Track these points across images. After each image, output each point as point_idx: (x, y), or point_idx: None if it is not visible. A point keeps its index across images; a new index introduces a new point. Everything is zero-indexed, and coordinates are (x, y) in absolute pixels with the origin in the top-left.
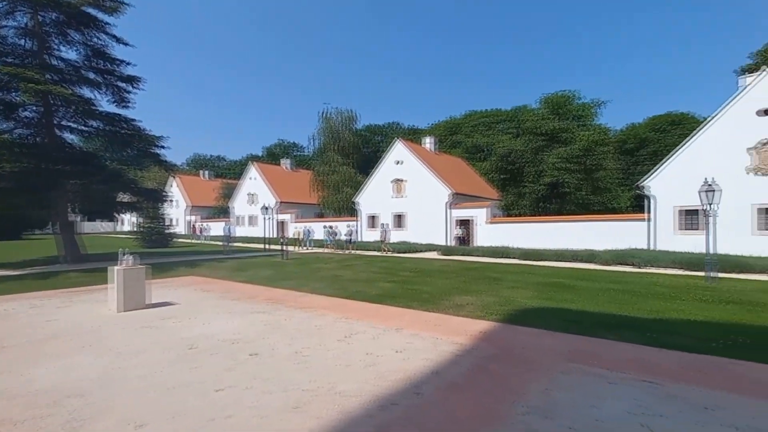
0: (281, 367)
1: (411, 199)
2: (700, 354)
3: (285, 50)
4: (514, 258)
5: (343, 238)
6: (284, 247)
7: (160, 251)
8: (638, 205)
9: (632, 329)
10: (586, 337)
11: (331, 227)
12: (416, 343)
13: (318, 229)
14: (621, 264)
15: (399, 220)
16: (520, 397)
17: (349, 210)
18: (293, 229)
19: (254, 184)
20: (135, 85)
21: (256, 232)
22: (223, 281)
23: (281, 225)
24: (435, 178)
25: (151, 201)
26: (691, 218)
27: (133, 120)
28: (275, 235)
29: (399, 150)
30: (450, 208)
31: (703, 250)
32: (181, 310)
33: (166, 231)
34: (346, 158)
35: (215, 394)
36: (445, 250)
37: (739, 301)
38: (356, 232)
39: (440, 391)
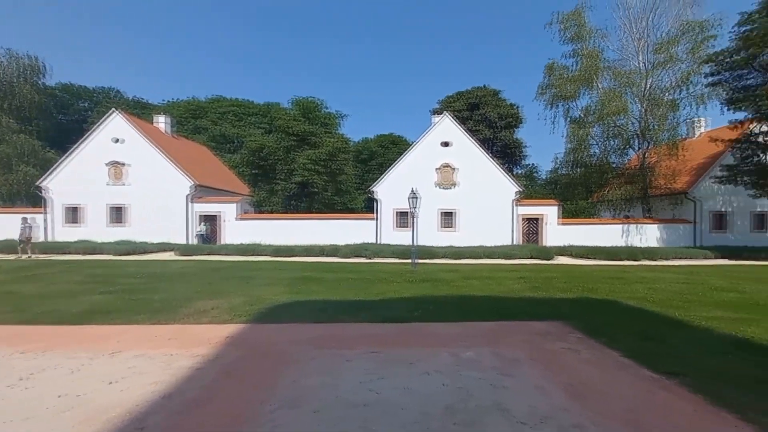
0: None
1: (136, 188)
2: (408, 323)
3: None
4: (265, 255)
5: None
6: None
7: None
8: (370, 206)
9: (364, 310)
10: (330, 323)
11: None
12: (141, 366)
13: None
14: (357, 256)
15: (118, 213)
16: (269, 395)
17: (32, 197)
18: None
19: None
20: None
21: None
22: None
23: None
24: (172, 166)
25: None
26: (403, 218)
27: None
28: None
29: (119, 125)
30: (192, 202)
31: (410, 243)
32: None
33: None
34: (24, 123)
35: None
36: (185, 249)
37: (430, 279)
38: (46, 228)
39: (174, 416)
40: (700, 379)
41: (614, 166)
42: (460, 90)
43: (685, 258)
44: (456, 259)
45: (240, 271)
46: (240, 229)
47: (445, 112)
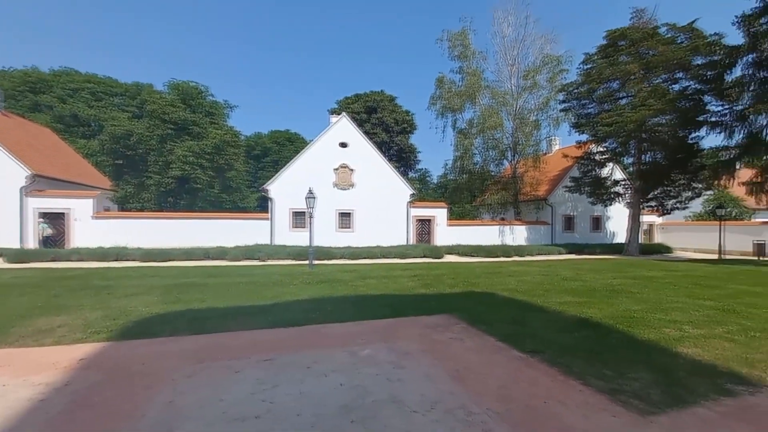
0: None
1: None
2: (306, 325)
3: None
4: (132, 260)
5: None
6: None
7: None
8: (263, 205)
9: (257, 315)
10: (214, 333)
11: None
12: None
13: None
14: (249, 259)
15: None
16: (136, 422)
17: None
18: None
19: None
20: None
21: None
22: None
23: None
24: None
25: None
26: (300, 218)
27: None
28: None
29: None
30: (28, 196)
31: (307, 244)
32: None
33: None
34: None
35: None
36: (18, 255)
37: (328, 280)
38: None
39: None
40: (555, 354)
41: (493, 174)
42: (359, 93)
43: (545, 254)
44: (353, 259)
45: (97, 280)
46: (98, 229)
47: (343, 112)
